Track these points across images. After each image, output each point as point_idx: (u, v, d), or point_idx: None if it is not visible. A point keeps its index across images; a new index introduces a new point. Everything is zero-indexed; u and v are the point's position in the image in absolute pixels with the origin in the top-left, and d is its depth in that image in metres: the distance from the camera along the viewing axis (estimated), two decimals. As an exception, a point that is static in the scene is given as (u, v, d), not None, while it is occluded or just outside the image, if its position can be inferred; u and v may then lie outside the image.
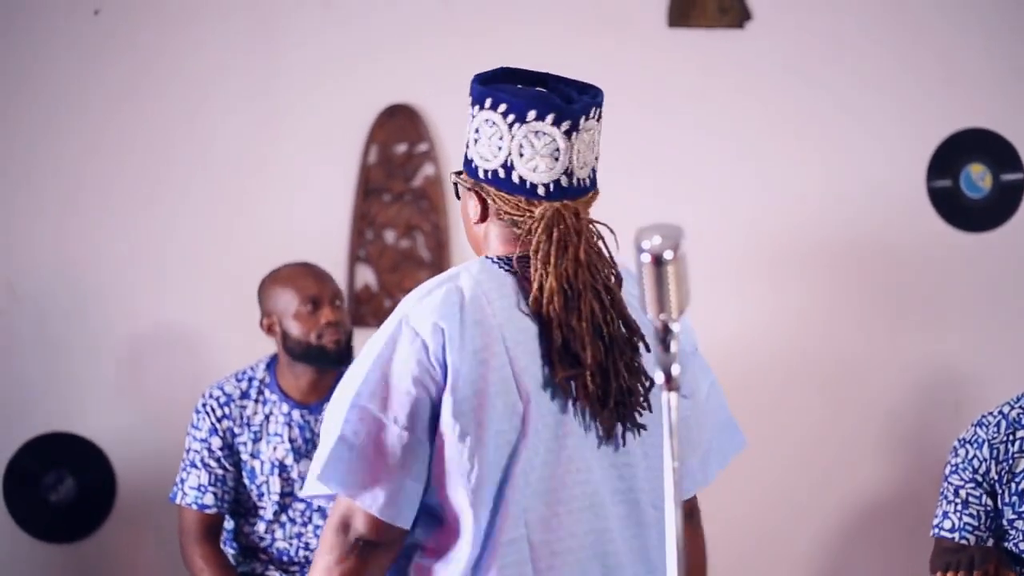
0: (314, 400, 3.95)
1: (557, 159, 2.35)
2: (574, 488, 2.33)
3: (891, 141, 4.37)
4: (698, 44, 4.43)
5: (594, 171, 2.43)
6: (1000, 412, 3.56)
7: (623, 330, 2.35)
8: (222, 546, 3.97)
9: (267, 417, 3.93)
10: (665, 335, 1.74)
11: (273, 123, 4.55)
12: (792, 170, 4.41)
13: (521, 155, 2.35)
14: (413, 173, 4.55)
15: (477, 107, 2.40)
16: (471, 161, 2.42)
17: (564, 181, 2.36)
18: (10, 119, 4.54)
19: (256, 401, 3.94)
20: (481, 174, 2.40)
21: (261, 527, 3.93)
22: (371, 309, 4.54)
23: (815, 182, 4.40)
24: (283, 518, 3.91)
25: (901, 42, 4.38)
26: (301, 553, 3.91)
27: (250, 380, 3.97)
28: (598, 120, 2.41)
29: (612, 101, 4.49)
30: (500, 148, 2.36)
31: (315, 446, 3.90)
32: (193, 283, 4.55)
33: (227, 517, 3.97)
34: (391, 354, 2.33)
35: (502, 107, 2.36)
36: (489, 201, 2.40)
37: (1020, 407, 3.56)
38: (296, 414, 3.93)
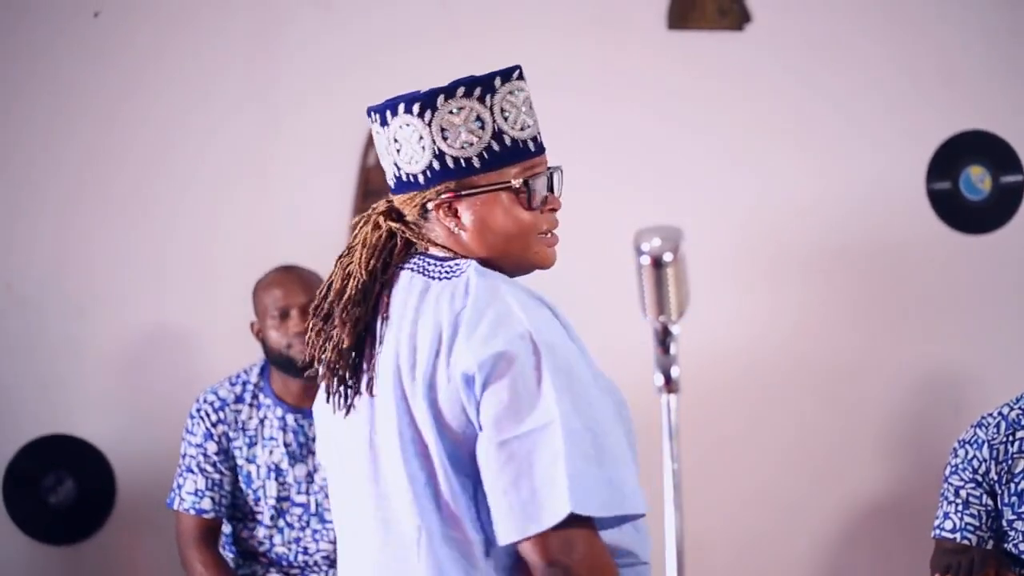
0: (308, 405, 3.94)
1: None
2: None
3: (891, 143, 4.37)
4: (697, 46, 4.43)
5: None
6: (1000, 413, 3.56)
7: None
8: (222, 550, 3.97)
9: (262, 421, 3.93)
10: (665, 337, 1.73)
11: (273, 125, 4.55)
12: (792, 172, 4.41)
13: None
14: (413, 175, 4.53)
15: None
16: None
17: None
18: (10, 120, 4.54)
19: (250, 405, 3.94)
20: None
21: (260, 532, 3.93)
22: (371, 311, 4.53)
23: (815, 184, 4.40)
24: (280, 523, 3.91)
25: (900, 44, 4.38)
26: (300, 558, 3.90)
27: (244, 384, 3.97)
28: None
29: (611, 103, 4.52)
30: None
31: (310, 450, 3.90)
32: (192, 285, 4.54)
33: (225, 521, 3.97)
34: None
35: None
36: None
37: (1020, 408, 3.55)
38: (290, 418, 3.93)
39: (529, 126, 2.36)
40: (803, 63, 4.41)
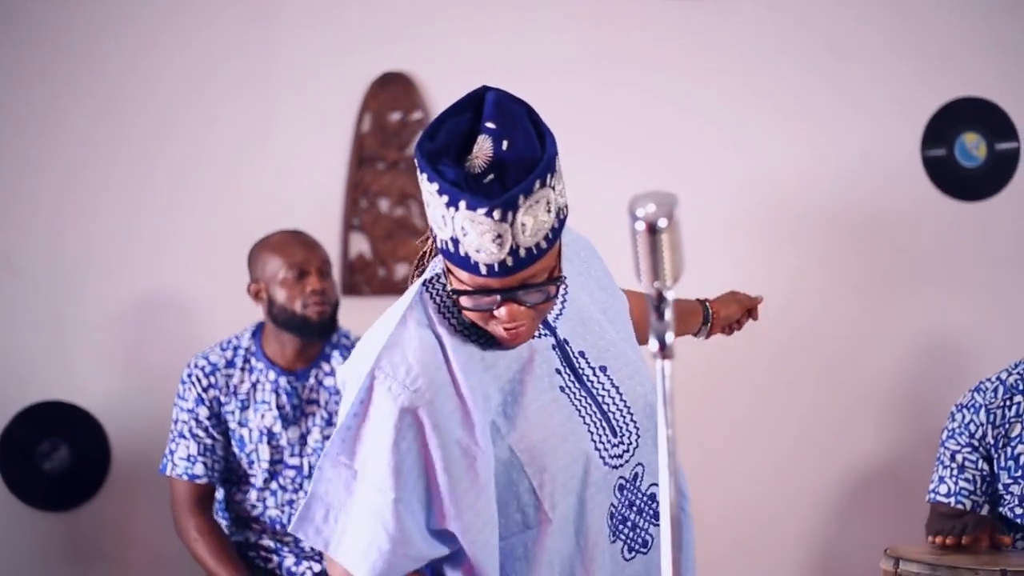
0: (300, 367, 3.95)
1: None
2: None
3: (885, 111, 4.37)
4: (689, 15, 4.42)
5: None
6: (998, 378, 3.58)
7: None
8: (215, 516, 3.98)
9: (254, 385, 3.93)
10: (659, 303, 1.73)
11: (267, 92, 4.54)
12: (786, 140, 4.40)
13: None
14: (407, 141, 4.54)
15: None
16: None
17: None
18: (11, 95, 4.54)
19: (242, 369, 3.94)
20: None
21: (252, 495, 3.93)
22: (365, 277, 4.54)
23: (809, 152, 4.39)
24: (273, 485, 3.92)
25: (895, 11, 4.37)
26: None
27: (235, 349, 3.97)
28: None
29: (604, 76, 4.51)
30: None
31: (303, 412, 3.92)
32: (187, 252, 4.55)
33: (218, 487, 3.98)
34: None
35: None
36: None
37: (1018, 373, 3.57)
38: (283, 381, 3.93)
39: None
40: (798, 30, 4.39)
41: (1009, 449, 3.52)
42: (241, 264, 4.03)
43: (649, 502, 2.38)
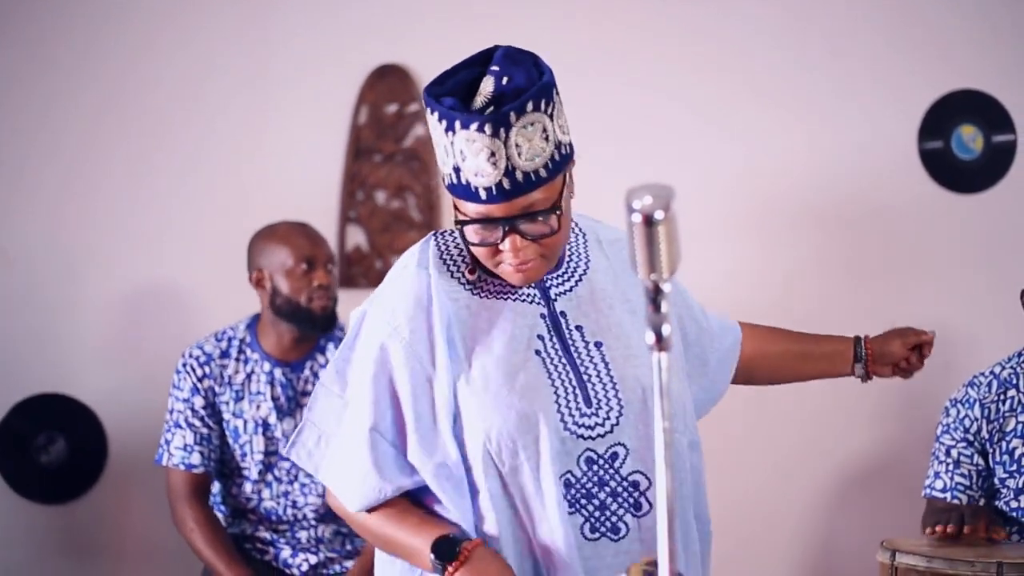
0: (295, 358, 3.94)
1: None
2: None
3: (882, 103, 4.36)
4: (686, 9, 4.41)
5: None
6: (992, 372, 3.58)
7: None
8: (213, 509, 3.98)
9: (248, 376, 3.93)
10: (656, 295, 1.73)
11: (263, 84, 4.54)
12: (782, 132, 4.40)
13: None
14: (404, 133, 4.54)
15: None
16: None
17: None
18: (11, 89, 4.54)
19: (237, 360, 3.94)
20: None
21: (248, 487, 3.93)
22: (362, 270, 4.54)
23: (806, 144, 4.39)
24: (268, 477, 3.92)
25: (891, 4, 4.37)
26: (289, 511, 3.91)
27: (230, 340, 3.97)
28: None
29: (600, 68, 4.50)
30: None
31: (298, 404, 3.91)
32: (184, 244, 4.55)
33: (214, 480, 3.98)
34: None
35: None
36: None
37: (1012, 367, 3.57)
38: (278, 372, 3.93)
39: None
40: (794, 22, 4.39)
41: (1004, 443, 3.52)
42: (239, 257, 4.02)
43: (630, 489, 2.38)
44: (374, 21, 4.52)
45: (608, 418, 2.37)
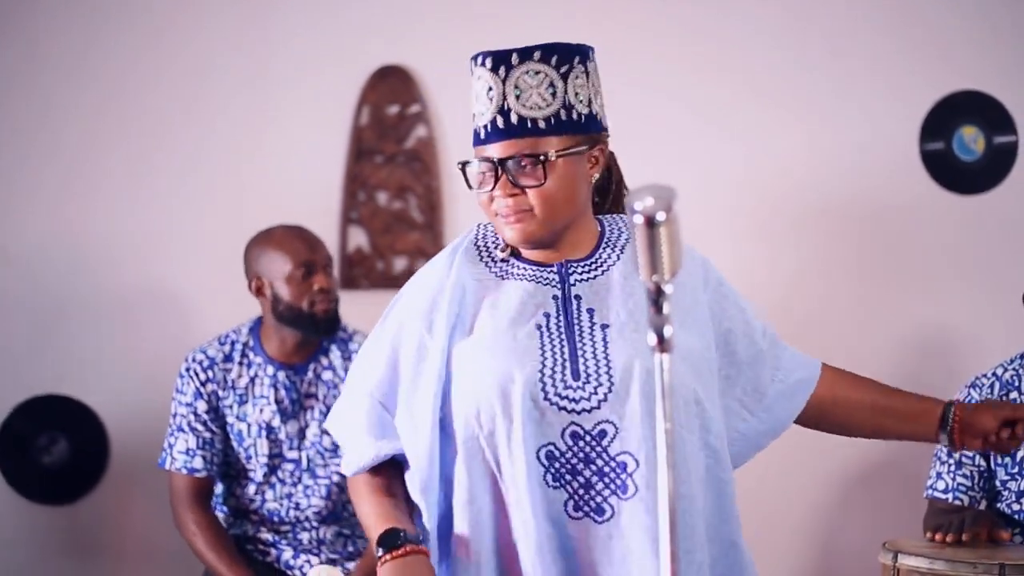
0: (298, 361, 3.94)
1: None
2: None
3: (884, 104, 4.36)
4: (687, 9, 4.41)
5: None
6: (994, 374, 3.57)
7: None
8: (213, 509, 3.98)
9: (252, 380, 3.92)
10: (658, 296, 1.73)
11: (265, 85, 4.54)
12: (784, 135, 4.39)
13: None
14: (405, 135, 4.53)
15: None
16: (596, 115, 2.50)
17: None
18: (10, 89, 4.54)
19: (240, 364, 3.94)
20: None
21: (251, 489, 3.93)
22: (363, 271, 4.54)
23: (807, 145, 4.39)
24: (272, 479, 3.92)
25: (893, 5, 4.37)
26: (292, 513, 3.91)
27: (233, 344, 3.96)
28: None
29: (601, 67, 4.49)
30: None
31: (302, 406, 3.91)
32: (185, 245, 4.54)
33: (217, 481, 3.97)
34: None
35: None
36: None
37: (1014, 369, 3.57)
38: (281, 375, 3.92)
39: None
40: (795, 23, 4.39)
41: (1006, 444, 3.52)
42: (239, 258, 4.01)
43: (617, 470, 2.35)
44: (375, 21, 4.52)
45: (595, 394, 2.36)
